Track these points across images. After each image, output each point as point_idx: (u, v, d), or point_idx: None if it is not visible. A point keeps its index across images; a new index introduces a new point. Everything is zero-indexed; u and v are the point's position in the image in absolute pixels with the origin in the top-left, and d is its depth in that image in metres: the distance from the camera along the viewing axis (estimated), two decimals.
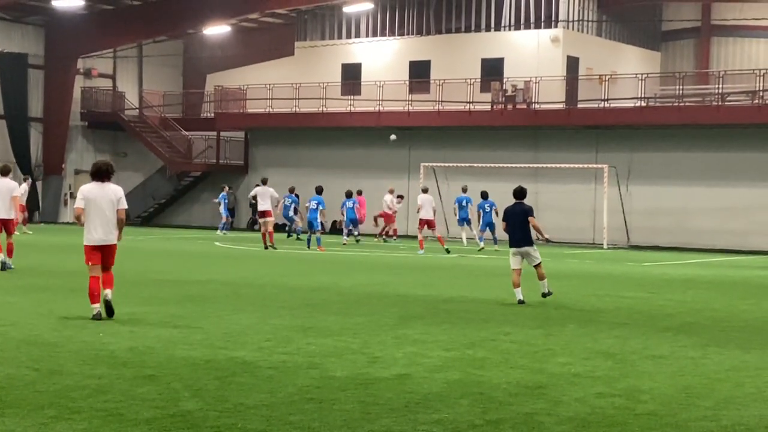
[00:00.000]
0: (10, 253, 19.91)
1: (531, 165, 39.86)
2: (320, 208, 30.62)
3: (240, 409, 7.63)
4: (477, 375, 9.36)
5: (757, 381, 9.41)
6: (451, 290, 18.02)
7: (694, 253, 35.35)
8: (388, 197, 38.25)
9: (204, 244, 32.72)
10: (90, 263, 12.79)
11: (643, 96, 39.79)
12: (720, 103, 38.79)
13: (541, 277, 16.15)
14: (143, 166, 50.58)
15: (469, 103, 41.57)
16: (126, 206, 12.99)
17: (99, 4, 46.72)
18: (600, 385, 9.02)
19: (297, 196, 37.81)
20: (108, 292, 12.69)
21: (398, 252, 30.83)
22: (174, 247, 31.20)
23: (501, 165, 39.41)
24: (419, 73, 45.11)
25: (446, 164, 40.85)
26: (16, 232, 20.71)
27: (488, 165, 39.66)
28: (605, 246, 37.34)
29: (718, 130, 38.30)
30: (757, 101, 38.30)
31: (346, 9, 46.72)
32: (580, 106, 41.22)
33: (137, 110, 50.85)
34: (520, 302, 15.75)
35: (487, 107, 41.83)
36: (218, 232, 39.93)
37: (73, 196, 40.62)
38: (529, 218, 16.21)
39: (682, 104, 39.61)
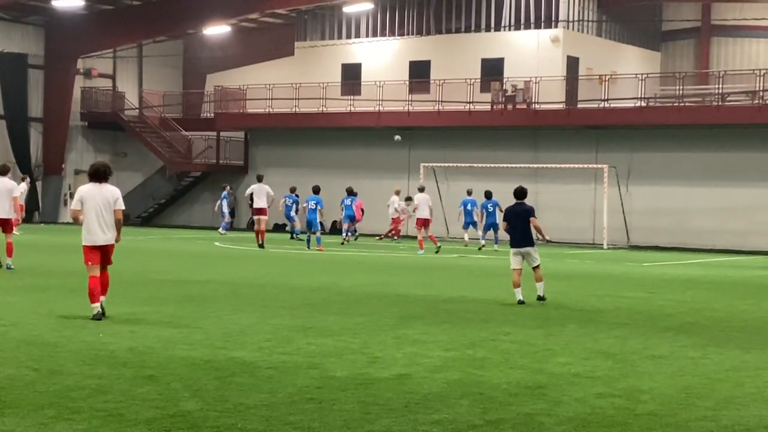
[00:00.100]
0: (9, 253, 19.91)
1: (531, 165, 39.85)
2: (319, 207, 30.62)
3: (240, 409, 7.63)
4: (477, 375, 9.36)
5: (757, 381, 9.41)
6: (451, 290, 18.02)
7: (694, 253, 35.34)
8: (395, 199, 37.82)
9: (204, 244, 32.72)
10: (89, 263, 12.89)
11: (643, 96, 39.77)
12: (720, 103, 38.78)
13: (538, 280, 16.12)
14: (143, 166, 50.58)
15: (469, 103, 41.57)
16: (123, 207, 13.10)
17: (99, 4, 46.72)
18: (600, 385, 9.02)
19: (297, 195, 37.79)
20: (101, 299, 12.80)
21: (398, 252, 30.82)
22: (174, 247, 31.20)
23: (501, 165, 39.41)
24: (419, 73, 45.11)
25: (446, 164, 40.85)
26: (16, 232, 20.71)
27: (488, 165, 39.66)
28: (605, 246, 37.34)
29: (718, 130, 38.30)
30: (757, 101, 38.29)
31: (346, 9, 46.72)
32: (580, 106, 41.21)
33: (137, 110, 50.85)
34: (520, 302, 15.75)
35: (487, 107, 41.83)
36: (220, 230, 39.98)
37: (72, 196, 40.70)
38: (531, 219, 16.21)
39: (682, 104, 39.60)
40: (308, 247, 30.57)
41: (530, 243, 16.24)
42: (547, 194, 38.57)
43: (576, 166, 38.83)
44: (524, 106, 41.22)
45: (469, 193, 35.21)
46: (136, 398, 7.93)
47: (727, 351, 11.28)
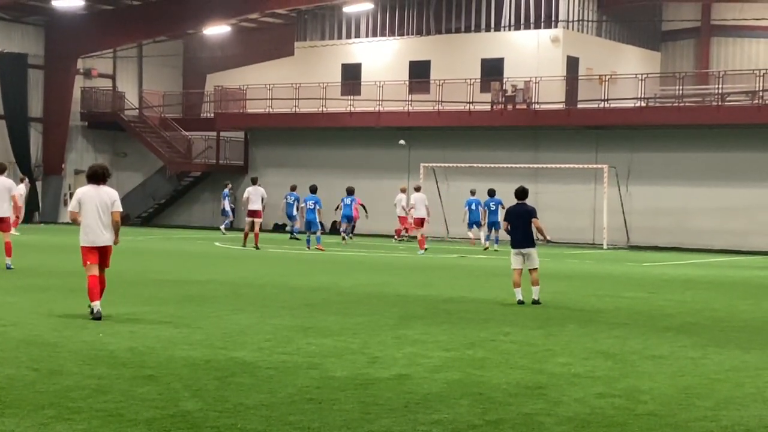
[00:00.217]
0: (8, 252, 19.92)
1: (531, 165, 39.85)
2: (317, 207, 30.69)
3: (240, 409, 7.63)
4: (477, 375, 9.35)
5: (757, 381, 9.41)
6: (451, 290, 18.02)
7: (694, 253, 35.35)
8: (401, 197, 37.59)
9: (204, 244, 32.72)
10: (88, 263, 12.99)
11: (643, 96, 39.77)
12: (720, 103, 38.77)
13: (534, 283, 16.08)
14: (143, 166, 50.57)
15: (469, 103, 41.56)
16: (120, 209, 13.24)
17: (99, 4, 46.72)
18: (600, 385, 9.02)
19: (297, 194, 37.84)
20: (98, 306, 12.81)
21: (398, 252, 30.81)
22: (174, 247, 31.20)
23: (501, 165, 39.40)
24: (419, 73, 45.11)
25: (446, 164, 40.85)
26: (16, 233, 20.71)
27: (488, 165, 39.66)
28: (605, 246, 37.34)
29: (718, 130, 38.30)
30: (757, 101, 38.29)
31: (346, 9, 46.72)
32: (580, 106, 41.21)
33: (137, 110, 50.84)
34: (520, 302, 15.76)
35: (487, 107, 41.83)
36: (221, 228, 39.99)
37: (72, 196, 40.75)
38: (533, 220, 16.20)
39: (682, 104, 39.60)
40: (308, 247, 30.54)
41: (531, 244, 16.23)
42: (547, 194, 38.57)
43: (576, 166, 38.83)
44: (524, 106, 41.21)
45: (473, 193, 35.31)
46: (136, 398, 7.93)
47: (727, 351, 11.27)
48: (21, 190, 37.46)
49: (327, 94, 44.50)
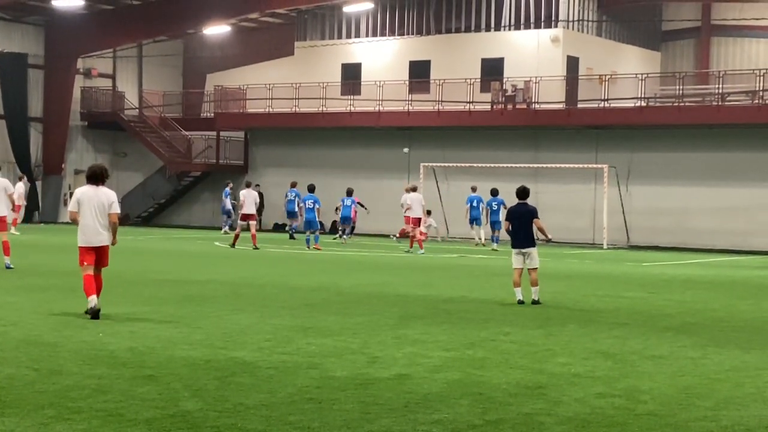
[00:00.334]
0: (6, 251, 19.92)
1: (531, 165, 39.84)
2: (316, 206, 30.80)
3: (240, 409, 7.64)
4: (477, 375, 9.36)
5: (757, 381, 9.41)
6: (451, 290, 18.02)
7: (694, 253, 35.34)
8: (407, 197, 37.36)
9: (204, 244, 32.72)
10: (85, 263, 13.12)
11: (643, 96, 39.76)
12: (720, 103, 38.77)
13: (533, 283, 16.06)
14: (143, 166, 50.55)
15: (469, 103, 41.56)
16: (118, 211, 13.39)
17: (99, 4, 46.71)
18: (600, 385, 9.02)
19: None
20: (95, 299, 12.87)
21: (398, 252, 30.81)
22: (174, 247, 31.19)
23: (501, 165, 39.39)
24: (419, 73, 45.10)
25: (446, 164, 40.84)
26: (15, 232, 20.71)
27: (488, 165, 39.65)
28: (605, 246, 37.33)
29: (718, 130, 38.30)
30: (757, 101, 38.28)
31: (346, 9, 46.71)
32: (580, 106, 41.20)
33: (137, 110, 50.84)
34: (520, 302, 15.76)
35: (487, 107, 41.82)
36: (224, 227, 39.98)
37: (72, 196, 40.76)
38: (535, 220, 16.20)
39: (682, 104, 39.59)
40: (308, 247, 30.58)
41: (532, 244, 16.24)
42: (547, 194, 38.54)
43: (576, 166, 38.82)
44: (524, 106, 41.21)
45: (474, 189, 35.45)
46: (136, 398, 7.93)
47: (727, 351, 11.27)
48: (20, 189, 37.59)
49: (327, 94, 44.49)
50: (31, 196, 44.50)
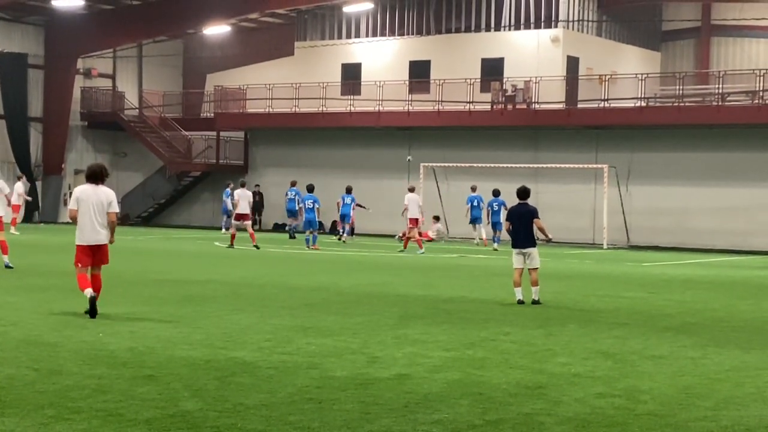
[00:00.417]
0: (5, 250, 19.93)
1: (531, 165, 39.85)
2: (316, 206, 30.87)
3: (240, 409, 7.63)
4: (477, 375, 9.35)
5: (757, 381, 9.40)
6: (451, 290, 18.01)
7: (694, 253, 35.34)
8: (418, 198, 37.18)
9: (204, 244, 32.72)
10: (79, 264, 13.18)
11: (643, 96, 39.76)
12: (720, 103, 38.77)
13: (534, 283, 16.06)
14: (143, 166, 50.57)
15: (469, 103, 41.56)
16: (117, 210, 13.48)
17: (99, 4, 46.72)
18: (600, 385, 9.02)
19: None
20: (91, 291, 12.94)
21: (398, 252, 30.80)
22: (174, 247, 31.19)
23: (501, 165, 39.40)
24: (419, 73, 45.10)
25: (446, 164, 40.84)
26: (15, 232, 20.70)
27: (488, 165, 39.65)
28: (605, 246, 37.33)
29: (718, 130, 38.30)
30: (757, 101, 38.29)
31: (346, 9, 46.71)
32: (580, 106, 41.21)
33: (137, 110, 50.85)
34: (520, 302, 15.76)
35: (487, 107, 41.83)
36: (225, 227, 39.96)
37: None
38: (535, 220, 16.21)
39: (682, 104, 39.59)
40: (308, 247, 30.60)
41: (533, 244, 16.25)
42: (547, 194, 38.55)
43: (576, 166, 38.83)
44: (524, 106, 41.21)
45: (474, 189, 35.50)
46: (136, 398, 7.93)
47: (727, 351, 11.27)
48: (19, 189, 37.59)
49: (327, 94, 44.49)
50: (31, 196, 44.47)
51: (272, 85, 46.35)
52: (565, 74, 42.10)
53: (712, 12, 47.28)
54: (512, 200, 17.15)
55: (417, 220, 31.73)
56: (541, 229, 16.50)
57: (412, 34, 46.54)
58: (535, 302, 15.82)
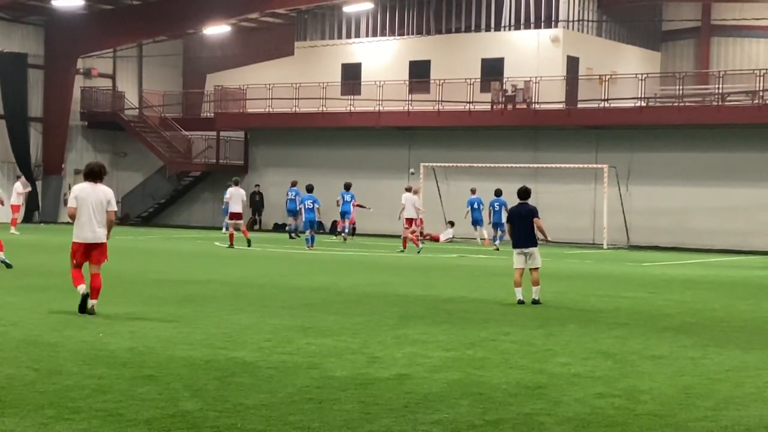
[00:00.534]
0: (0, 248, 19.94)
1: (531, 165, 39.85)
2: (316, 206, 30.89)
3: (240, 409, 7.63)
4: (477, 375, 9.35)
5: (757, 381, 9.40)
6: (451, 290, 18.02)
7: (694, 253, 35.34)
8: (415, 198, 36.76)
9: (204, 244, 32.71)
10: (74, 260, 13.27)
11: (643, 96, 39.76)
12: (720, 103, 38.77)
13: (535, 283, 16.06)
14: (143, 166, 50.57)
15: (469, 103, 41.56)
16: (116, 209, 13.56)
17: (99, 4, 46.72)
18: (600, 385, 9.02)
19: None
20: (84, 288, 13.02)
21: (398, 252, 30.79)
22: (174, 247, 31.19)
23: (501, 165, 39.40)
24: (419, 73, 45.09)
25: (446, 164, 40.84)
26: (15, 232, 20.70)
27: (488, 165, 39.66)
28: (605, 246, 37.33)
29: (718, 130, 38.30)
30: (757, 101, 38.28)
31: (346, 9, 46.71)
32: (580, 106, 41.20)
33: (137, 110, 50.85)
34: (520, 302, 15.76)
35: (487, 107, 41.82)
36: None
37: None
38: (535, 219, 16.22)
39: (682, 104, 39.59)
40: (308, 246, 30.60)
41: (534, 244, 16.26)
42: (547, 194, 38.53)
43: (576, 166, 38.83)
44: (524, 106, 41.21)
45: (473, 191, 35.51)
46: (136, 398, 7.93)
47: (727, 351, 11.27)
48: (19, 188, 37.58)
49: (327, 93, 44.49)
50: (30, 195, 44.49)
51: (272, 85, 46.35)
52: (565, 74, 42.09)
53: (712, 12, 47.27)
54: (514, 201, 17.15)
55: (412, 220, 31.68)
56: (540, 229, 16.51)
57: (412, 34, 46.54)
58: (535, 302, 15.83)
